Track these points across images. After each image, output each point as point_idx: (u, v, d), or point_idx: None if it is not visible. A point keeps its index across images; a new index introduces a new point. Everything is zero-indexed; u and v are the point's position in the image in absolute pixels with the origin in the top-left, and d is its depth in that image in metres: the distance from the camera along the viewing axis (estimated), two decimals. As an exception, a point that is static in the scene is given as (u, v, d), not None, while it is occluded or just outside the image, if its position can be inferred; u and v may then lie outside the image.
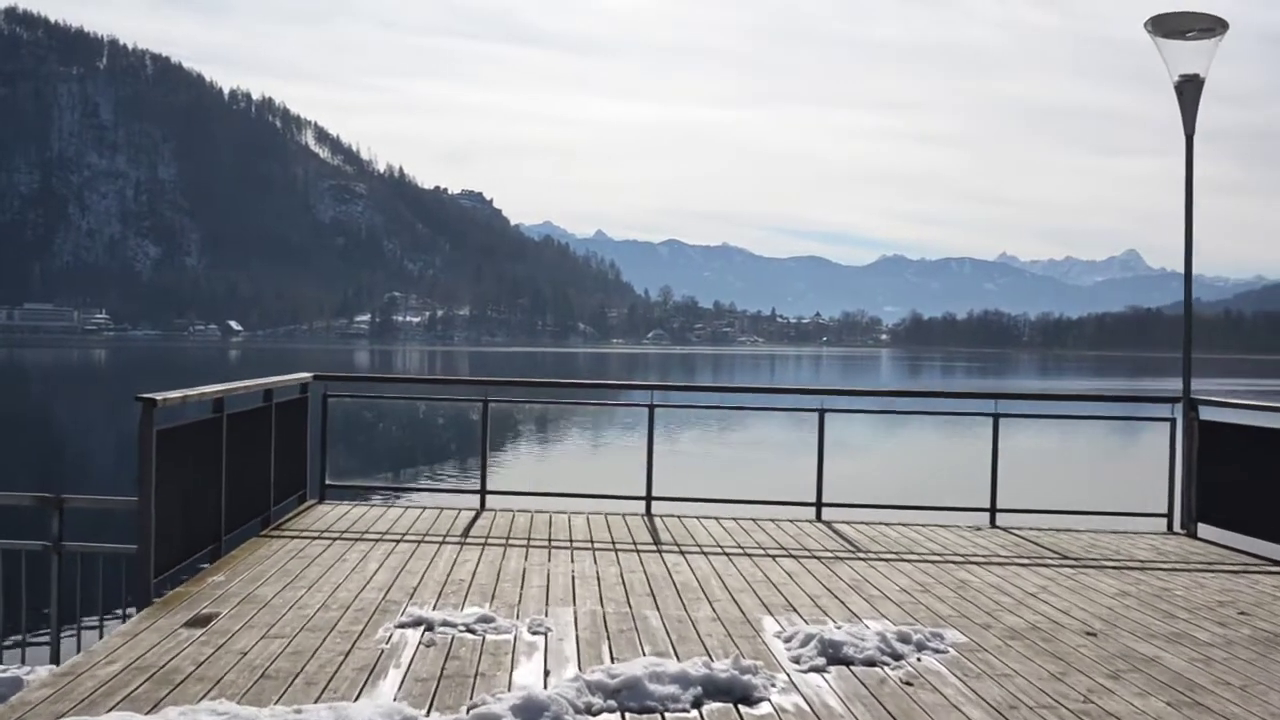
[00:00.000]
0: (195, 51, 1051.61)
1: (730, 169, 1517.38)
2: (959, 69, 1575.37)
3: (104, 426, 44.30)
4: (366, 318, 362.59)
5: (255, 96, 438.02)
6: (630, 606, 7.43)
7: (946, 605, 7.75)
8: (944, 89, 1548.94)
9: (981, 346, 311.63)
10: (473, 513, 10.79)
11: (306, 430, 10.90)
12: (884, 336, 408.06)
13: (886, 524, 10.91)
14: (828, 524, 10.94)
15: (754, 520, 10.82)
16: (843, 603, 7.71)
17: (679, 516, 10.95)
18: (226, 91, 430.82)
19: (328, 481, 11.36)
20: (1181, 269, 10.96)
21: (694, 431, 29.41)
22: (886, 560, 9.29)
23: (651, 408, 11.34)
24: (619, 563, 8.79)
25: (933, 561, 9.33)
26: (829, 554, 9.49)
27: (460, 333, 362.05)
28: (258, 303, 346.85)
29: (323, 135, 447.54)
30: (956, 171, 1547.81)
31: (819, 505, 11.33)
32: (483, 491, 11.22)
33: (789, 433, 25.67)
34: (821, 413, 11.33)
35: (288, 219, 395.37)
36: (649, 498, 11.27)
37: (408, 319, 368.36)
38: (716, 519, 10.90)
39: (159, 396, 7.11)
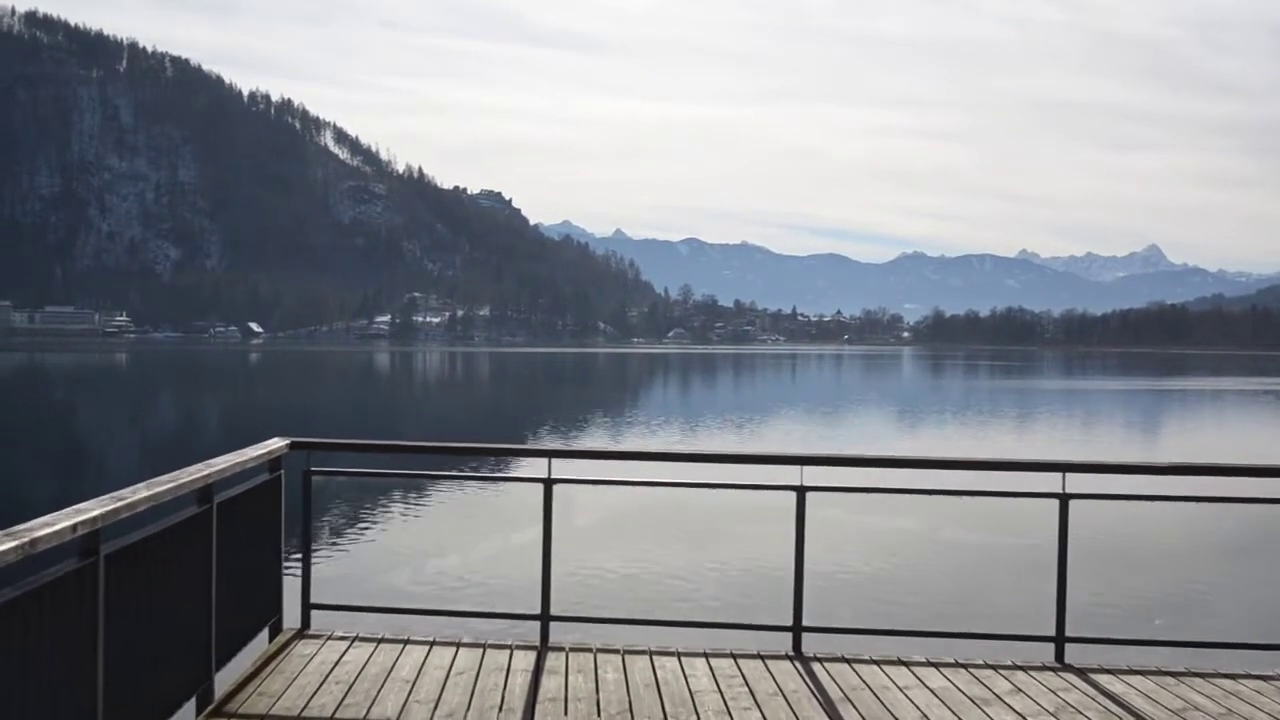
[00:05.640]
0: (202, 54, 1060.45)
1: (747, 167, 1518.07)
2: (968, 65, 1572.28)
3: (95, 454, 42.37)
4: (387, 318, 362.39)
5: (274, 98, 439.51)
6: None
7: None
8: (954, 85, 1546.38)
9: (1005, 344, 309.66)
10: (533, 655, 7.21)
11: (281, 526, 7.47)
12: (906, 334, 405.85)
13: (1170, 674, 7.22)
14: (1083, 674, 7.16)
15: (964, 667, 7.14)
16: None
17: (849, 662, 7.23)
18: (245, 93, 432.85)
19: (314, 600, 7.71)
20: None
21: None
22: None
23: (801, 491, 7.40)
24: None
25: None
26: None
27: (480, 333, 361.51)
28: (278, 304, 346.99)
29: (341, 136, 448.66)
30: (971, 168, 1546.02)
31: (1060, 640, 7.46)
32: (544, 617, 7.59)
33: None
34: (1064, 499, 7.40)
35: (307, 220, 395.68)
36: (798, 628, 7.53)
37: (428, 320, 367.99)
38: (905, 665, 7.16)
39: None
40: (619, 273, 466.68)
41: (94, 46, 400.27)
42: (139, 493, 5.10)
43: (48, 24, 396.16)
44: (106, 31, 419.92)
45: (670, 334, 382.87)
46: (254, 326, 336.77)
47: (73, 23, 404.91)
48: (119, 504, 4.85)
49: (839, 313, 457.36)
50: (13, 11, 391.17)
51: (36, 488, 26.89)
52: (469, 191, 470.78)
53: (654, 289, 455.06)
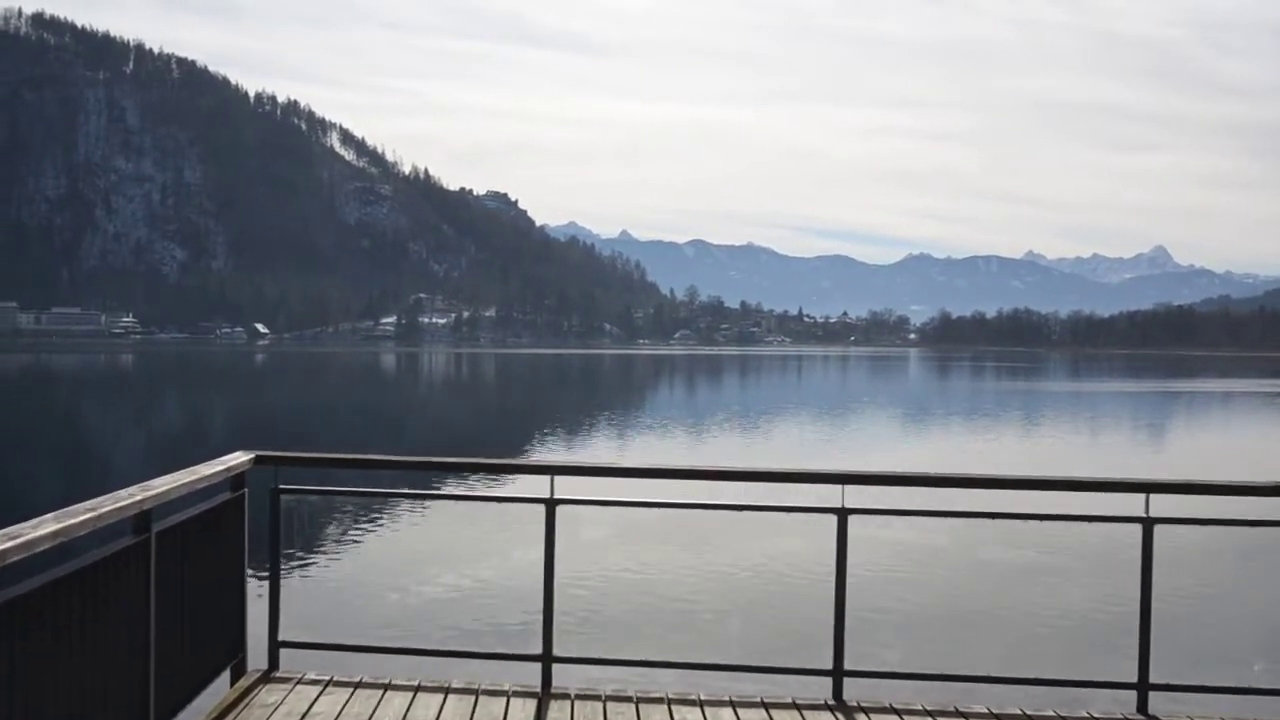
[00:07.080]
0: (208, 56, 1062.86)
1: (749, 168, 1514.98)
2: (969, 66, 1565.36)
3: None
4: (392, 320, 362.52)
5: (280, 99, 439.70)
6: None
7: None
8: (955, 86, 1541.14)
9: (1012, 345, 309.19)
10: (533, 704, 6.24)
11: (244, 554, 6.47)
12: (912, 336, 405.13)
13: None
14: None
15: (1031, 719, 6.19)
16: None
17: (898, 712, 6.19)
18: (251, 95, 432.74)
19: (283, 637, 6.71)
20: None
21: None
22: None
23: (843, 514, 6.37)
24: None
25: None
26: None
27: (486, 334, 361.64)
28: (284, 305, 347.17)
29: (347, 137, 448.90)
30: (974, 169, 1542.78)
31: (1143, 688, 6.35)
32: (546, 658, 6.56)
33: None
34: (1148, 524, 6.33)
35: (313, 221, 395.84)
36: (838, 671, 6.42)
37: (434, 321, 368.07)
38: (963, 717, 6.19)
39: None
40: (625, 274, 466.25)
41: (100, 48, 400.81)
42: (43, 527, 4.03)
43: (54, 25, 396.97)
44: (113, 33, 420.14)
45: (676, 335, 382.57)
46: (260, 328, 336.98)
47: (79, 24, 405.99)
48: (10, 544, 3.76)
49: (845, 314, 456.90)
50: (19, 13, 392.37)
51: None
52: (474, 193, 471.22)
53: (660, 290, 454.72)
